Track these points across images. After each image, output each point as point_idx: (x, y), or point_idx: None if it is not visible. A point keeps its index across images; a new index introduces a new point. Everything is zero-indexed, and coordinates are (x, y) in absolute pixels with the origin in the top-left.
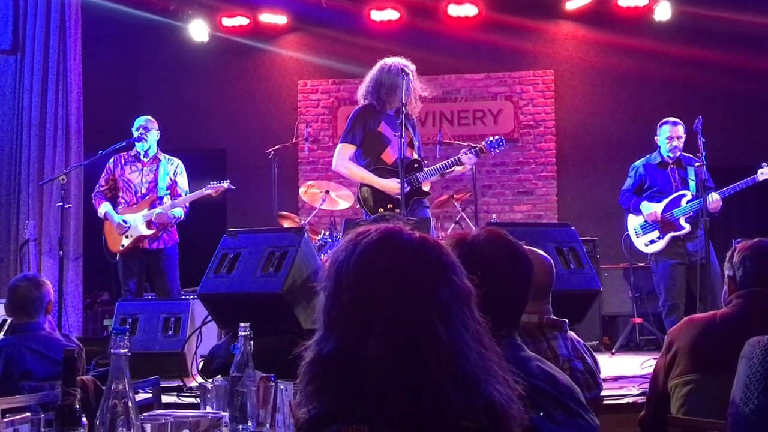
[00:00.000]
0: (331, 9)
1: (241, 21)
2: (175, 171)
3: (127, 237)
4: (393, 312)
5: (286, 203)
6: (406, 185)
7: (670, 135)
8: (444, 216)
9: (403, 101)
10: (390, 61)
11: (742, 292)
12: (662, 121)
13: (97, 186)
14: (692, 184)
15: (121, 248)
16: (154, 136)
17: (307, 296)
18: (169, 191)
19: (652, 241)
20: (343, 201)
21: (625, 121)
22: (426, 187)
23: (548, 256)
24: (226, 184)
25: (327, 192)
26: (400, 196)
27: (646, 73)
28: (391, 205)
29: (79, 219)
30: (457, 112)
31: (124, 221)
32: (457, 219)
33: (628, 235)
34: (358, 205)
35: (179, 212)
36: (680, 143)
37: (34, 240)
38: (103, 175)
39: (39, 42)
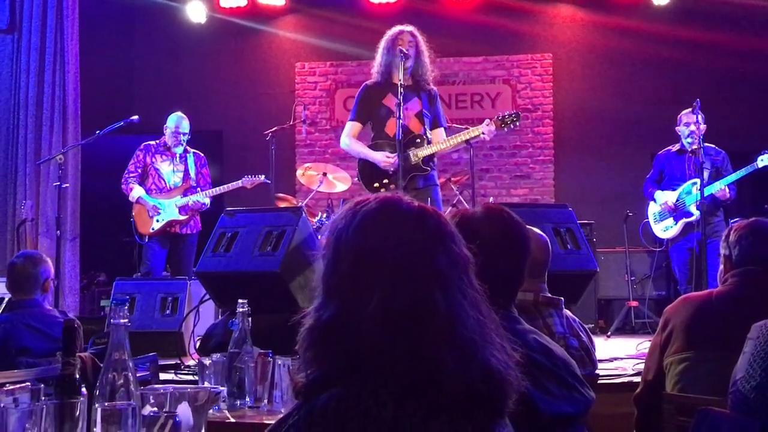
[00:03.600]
0: None
1: (239, 2)
2: (202, 163)
3: (158, 221)
4: (391, 280)
5: (284, 185)
6: (400, 159)
7: (686, 122)
8: (441, 199)
9: (400, 77)
10: (388, 32)
11: (738, 271)
12: (680, 114)
13: (126, 172)
14: (705, 173)
15: (151, 231)
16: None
17: (305, 275)
18: (196, 181)
19: (667, 228)
20: (340, 183)
21: (624, 105)
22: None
23: (544, 234)
24: (261, 178)
25: (324, 174)
26: (389, 170)
27: (644, 57)
28: (387, 180)
29: (76, 199)
30: (455, 95)
31: (159, 204)
32: (454, 202)
33: (648, 221)
34: (357, 179)
35: (208, 201)
36: (696, 129)
37: (31, 220)
38: (132, 162)
39: (36, 21)
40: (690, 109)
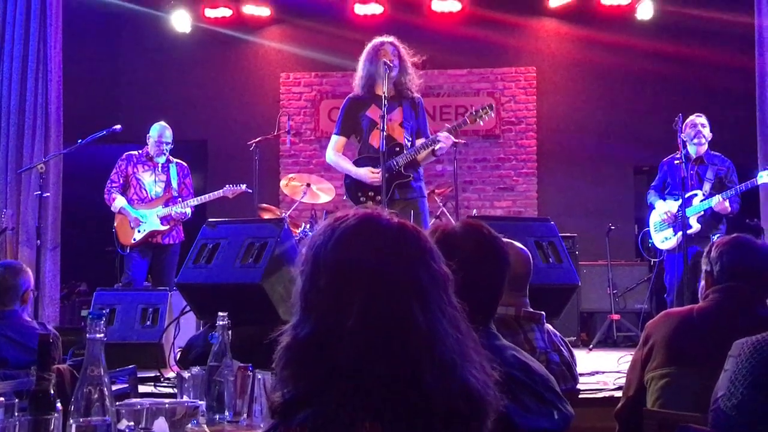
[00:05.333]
0: (315, 2)
1: (224, 12)
2: (184, 173)
3: (139, 231)
4: (370, 296)
5: (267, 196)
6: (384, 171)
7: (692, 123)
8: (428, 211)
9: (384, 88)
10: (369, 45)
11: (719, 287)
12: (685, 121)
13: (109, 182)
14: (707, 184)
15: (133, 241)
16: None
17: (286, 287)
18: (179, 191)
19: (666, 238)
20: (324, 194)
21: (607, 119)
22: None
23: (525, 249)
24: (243, 187)
25: (308, 185)
26: (374, 184)
27: (628, 71)
28: (372, 192)
29: (57, 208)
30: (440, 107)
31: (141, 215)
32: (437, 214)
33: (648, 231)
34: (344, 197)
35: (189, 211)
36: (704, 131)
37: (11, 229)
38: (114, 171)
39: (19, 29)
40: (695, 115)
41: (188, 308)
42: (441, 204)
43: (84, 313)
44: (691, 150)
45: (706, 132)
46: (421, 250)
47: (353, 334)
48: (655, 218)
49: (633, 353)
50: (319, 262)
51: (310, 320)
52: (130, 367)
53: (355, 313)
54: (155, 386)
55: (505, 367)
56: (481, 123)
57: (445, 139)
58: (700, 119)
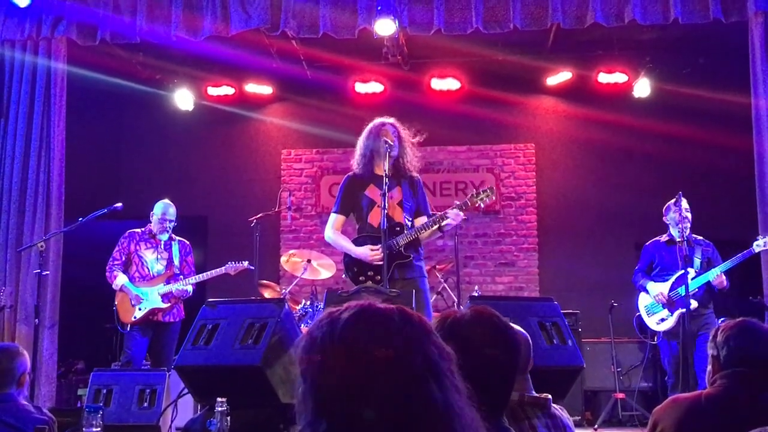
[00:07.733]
0: (316, 80)
1: (227, 90)
2: (186, 251)
3: (140, 309)
4: (389, 383)
5: (267, 272)
6: (384, 250)
7: (677, 210)
8: (429, 289)
9: (385, 167)
10: (369, 125)
11: (727, 373)
12: (668, 204)
13: (111, 260)
14: (697, 262)
15: (133, 319)
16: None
17: (286, 369)
18: (180, 269)
19: (662, 320)
20: (324, 270)
21: (605, 195)
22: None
23: (523, 330)
24: (245, 264)
25: (309, 261)
26: (375, 263)
27: (625, 148)
28: (372, 272)
29: (56, 286)
30: (440, 183)
31: (142, 293)
32: (439, 290)
33: (640, 315)
34: (343, 276)
35: (191, 288)
36: (688, 215)
37: (9, 307)
38: (116, 249)
39: (23, 108)
40: (675, 200)
41: (186, 391)
42: (442, 280)
43: (81, 392)
44: (675, 233)
45: (689, 215)
46: (425, 330)
47: (372, 418)
48: (645, 301)
49: None
50: (328, 354)
51: (326, 415)
52: None
53: (371, 397)
54: None
55: None
56: (482, 205)
57: (454, 216)
58: (684, 203)
